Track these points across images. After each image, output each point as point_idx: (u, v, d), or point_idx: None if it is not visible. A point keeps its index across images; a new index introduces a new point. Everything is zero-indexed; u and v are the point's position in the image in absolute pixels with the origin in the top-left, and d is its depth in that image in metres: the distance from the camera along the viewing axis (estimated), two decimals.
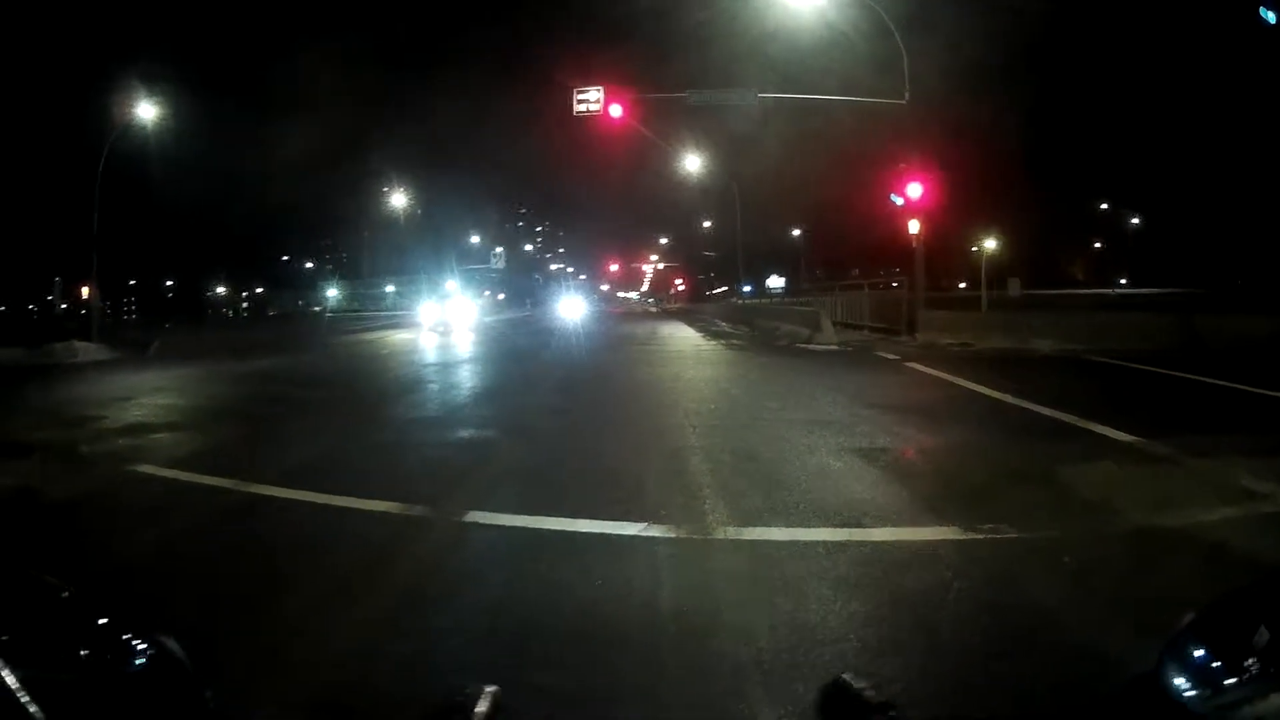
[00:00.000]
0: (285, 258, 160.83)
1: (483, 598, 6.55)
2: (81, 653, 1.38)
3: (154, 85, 46.56)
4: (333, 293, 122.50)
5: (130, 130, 46.03)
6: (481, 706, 1.60)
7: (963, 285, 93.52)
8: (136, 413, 18.01)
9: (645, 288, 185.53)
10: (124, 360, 36.18)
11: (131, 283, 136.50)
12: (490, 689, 1.66)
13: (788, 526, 8.04)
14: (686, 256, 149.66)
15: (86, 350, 38.48)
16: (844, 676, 1.70)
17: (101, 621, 1.47)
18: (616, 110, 39.22)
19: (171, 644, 1.45)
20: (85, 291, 50.86)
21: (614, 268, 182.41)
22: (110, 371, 30.95)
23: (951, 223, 52.09)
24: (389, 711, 4.79)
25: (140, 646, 1.44)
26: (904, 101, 35.80)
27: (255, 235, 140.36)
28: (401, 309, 70.32)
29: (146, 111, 45.53)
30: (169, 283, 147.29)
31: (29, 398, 23.31)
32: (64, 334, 42.28)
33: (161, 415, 17.71)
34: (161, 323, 66.96)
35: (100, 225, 45.34)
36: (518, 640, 5.62)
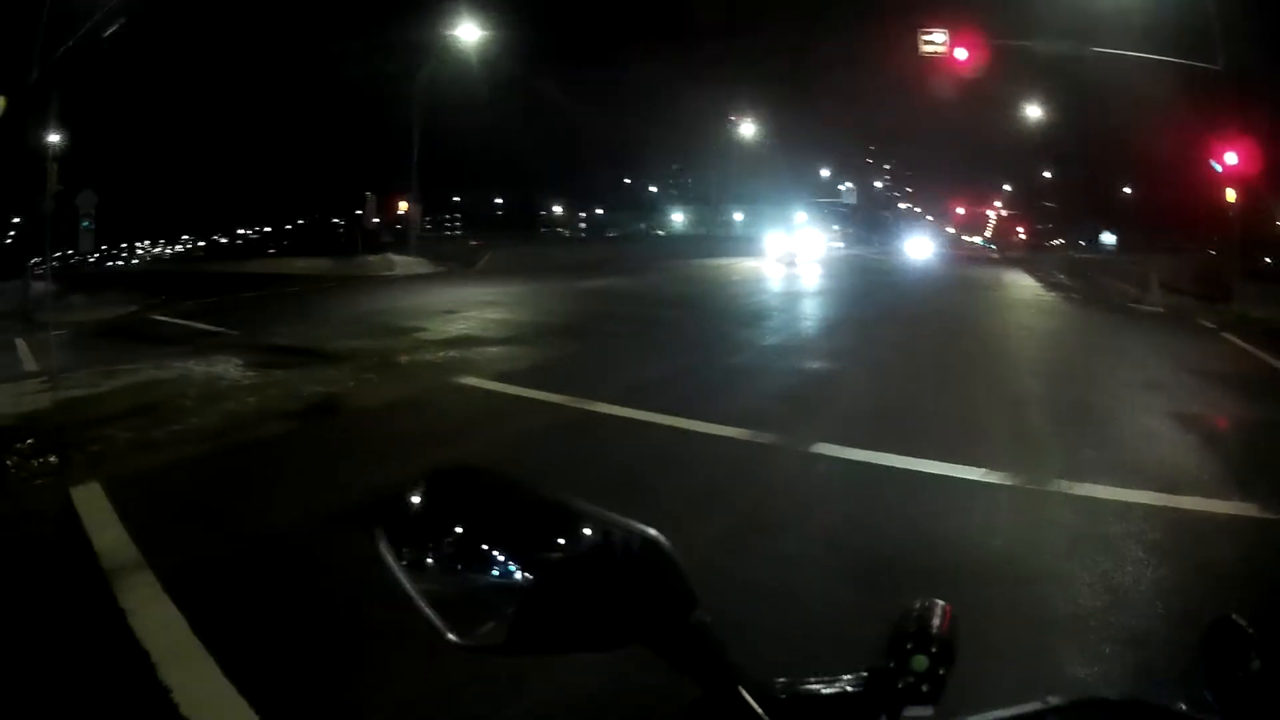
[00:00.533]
0: (627, 180, 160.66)
1: (831, 528, 6.87)
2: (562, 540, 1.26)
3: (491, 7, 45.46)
4: (677, 217, 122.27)
5: (466, 52, 45.41)
6: (936, 620, 1.58)
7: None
8: (460, 326, 18.59)
9: (988, 233, 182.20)
10: (446, 275, 37.14)
11: (455, 199, 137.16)
12: (942, 603, 1.63)
13: (1112, 485, 8.08)
14: (1027, 206, 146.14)
15: (405, 264, 39.12)
16: (1232, 616, 1.63)
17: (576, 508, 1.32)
18: (962, 53, 38.55)
19: (653, 533, 1.32)
20: (403, 206, 51.41)
21: (960, 210, 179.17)
22: (434, 284, 31.93)
23: (1274, 192, 49.60)
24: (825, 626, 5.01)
25: (625, 535, 1.31)
26: (1218, 68, 34.43)
27: (597, 158, 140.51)
28: (748, 237, 69.87)
29: (471, 34, 44.22)
30: (499, 200, 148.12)
31: (352, 307, 24.56)
32: (379, 247, 43.11)
33: (491, 330, 18.19)
34: (489, 239, 67.85)
35: (424, 142, 45.27)
36: (864, 569, 5.91)
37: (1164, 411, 11.66)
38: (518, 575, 1.20)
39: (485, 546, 1.23)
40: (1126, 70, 42.54)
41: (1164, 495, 7.85)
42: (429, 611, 1.22)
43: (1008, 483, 8.07)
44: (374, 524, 1.26)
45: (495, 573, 1.21)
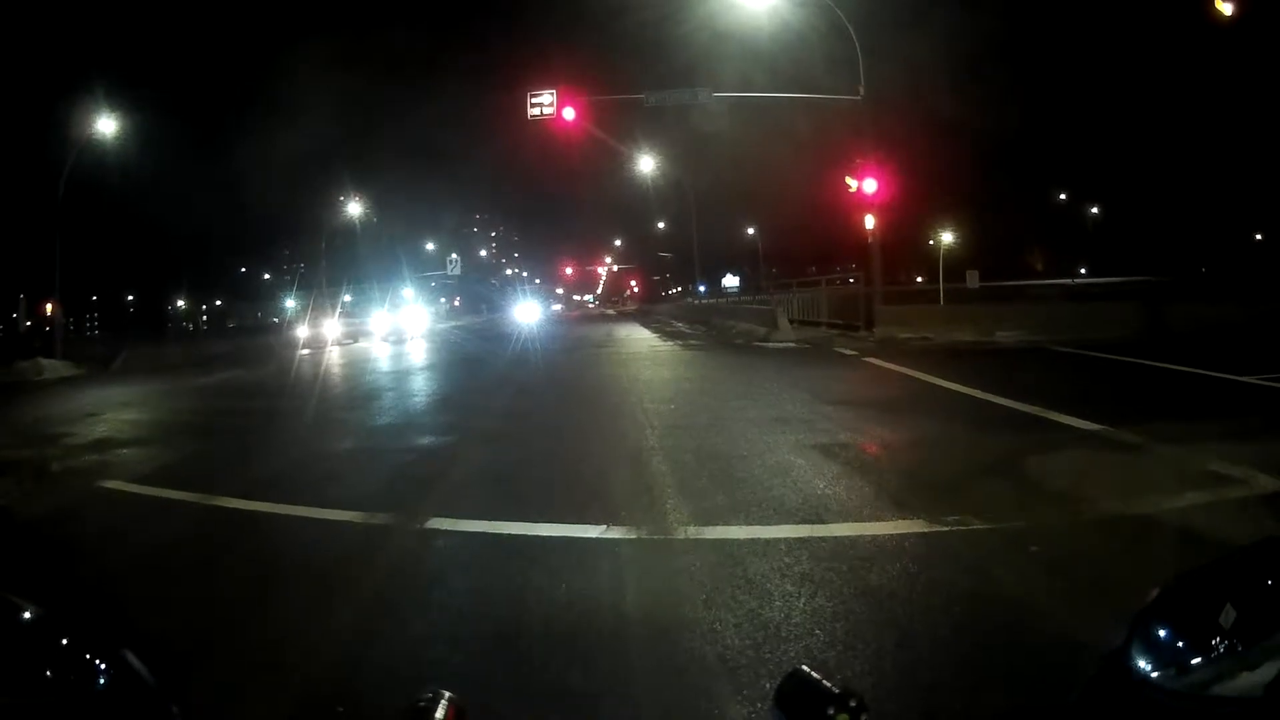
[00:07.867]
0: (243, 269, 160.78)
1: (449, 603, 6.62)
2: (43, 673, 1.34)
3: (112, 100, 46.08)
4: (290, 304, 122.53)
5: (89, 145, 45.57)
6: (439, 713, 1.58)
7: (920, 279, 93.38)
8: (102, 429, 18.06)
9: (600, 290, 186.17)
10: (89, 376, 36.59)
11: (94, 298, 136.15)
12: (448, 695, 1.62)
13: (749, 524, 8.09)
14: (642, 258, 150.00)
15: (52, 367, 38.80)
16: (802, 667, 1.67)
17: (64, 641, 1.44)
18: (570, 113, 39.05)
19: (135, 661, 1.41)
20: (49, 308, 50.89)
21: (569, 271, 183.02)
22: (76, 388, 31.17)
23: (909, 217, 52.16)
24: None
25: (103, 665, 1.41)
26: (859, 98, 35.74)
27: (214, 247, 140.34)
28: (357, 318, 70.37)
29: (106, 126, 45.13)
30: (130, 297, 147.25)
31: (11, 412, 23.41)
32: (30, 352, 42.53)
33: (127, 431, 17.83)
34: (124, 338, 67.06)
35: (62, 241, 45.22)
36: (486, 643, 5.69)
37: (801, 445, 11.81)
38: None
39: None
40: (758, 111, 44.00)
41: (809, 527, 7.94)
42: None
43: (630, 536, 7.99)
44: None
45: None
